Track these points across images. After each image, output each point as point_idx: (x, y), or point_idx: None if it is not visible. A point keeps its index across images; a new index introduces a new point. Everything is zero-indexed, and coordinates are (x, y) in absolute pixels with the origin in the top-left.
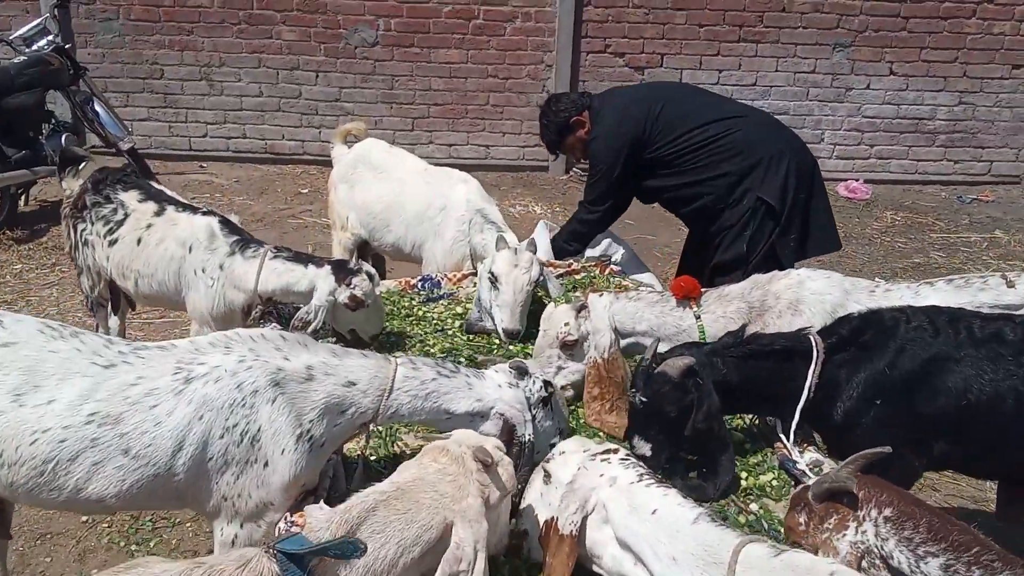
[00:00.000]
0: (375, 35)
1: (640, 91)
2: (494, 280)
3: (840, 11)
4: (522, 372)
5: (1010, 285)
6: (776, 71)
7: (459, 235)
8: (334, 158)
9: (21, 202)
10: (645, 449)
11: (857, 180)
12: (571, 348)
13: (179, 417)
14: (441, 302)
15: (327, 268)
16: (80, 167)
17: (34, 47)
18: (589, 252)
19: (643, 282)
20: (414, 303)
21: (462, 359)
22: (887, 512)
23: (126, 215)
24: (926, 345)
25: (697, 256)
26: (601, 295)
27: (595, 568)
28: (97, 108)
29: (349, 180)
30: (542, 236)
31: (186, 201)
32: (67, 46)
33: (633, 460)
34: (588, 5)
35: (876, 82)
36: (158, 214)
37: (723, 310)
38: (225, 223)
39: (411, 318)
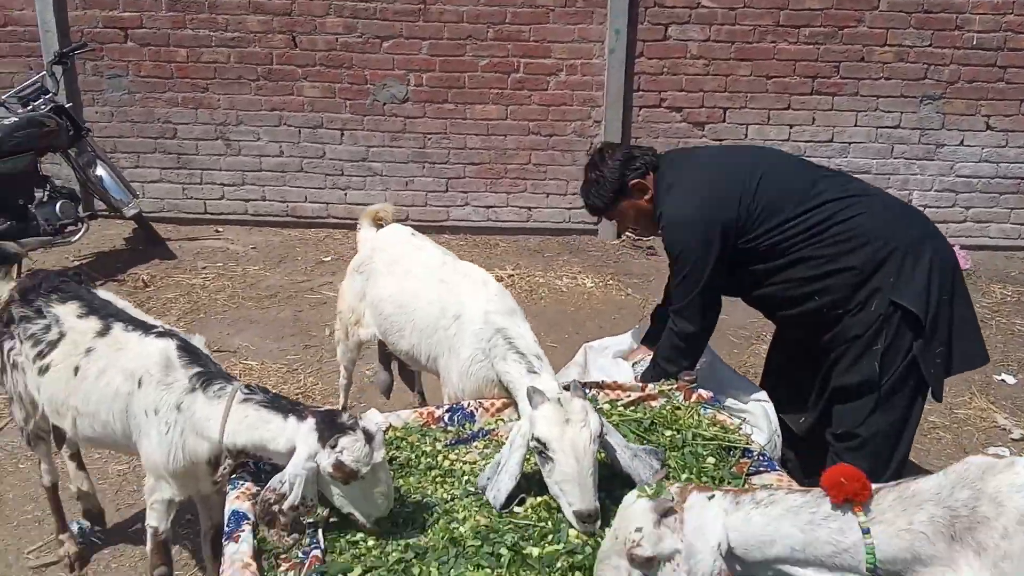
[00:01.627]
0: (406, 91)
1: (727, 157)
2: (543, 449)
3: (928, 60)
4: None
5: None
6: (855, 126)
7: (478, 354)
8: (359, 241)
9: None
10: None
11: (956, 247)
12: (644, 567)
13: None
14: (476, 443)
15: (310, 423)
16: (11, 268)
17: (29, 106)
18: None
19: (752, 412)
20: (438, 446)
21: (503, 550)
22: None
23: (61, 335)
24: None
25: (797, 372)
26: (712, 495)
27: None
28: (100, 171)
29: (365, 272)
30: (594, 362)
31: (140, 316)
32: (68, 105)
33: None
34: (640, 56)
35: (971, 138)
36: (101, 334)
37: (907, 520)
38: (185, 349)
39: (434, 472)
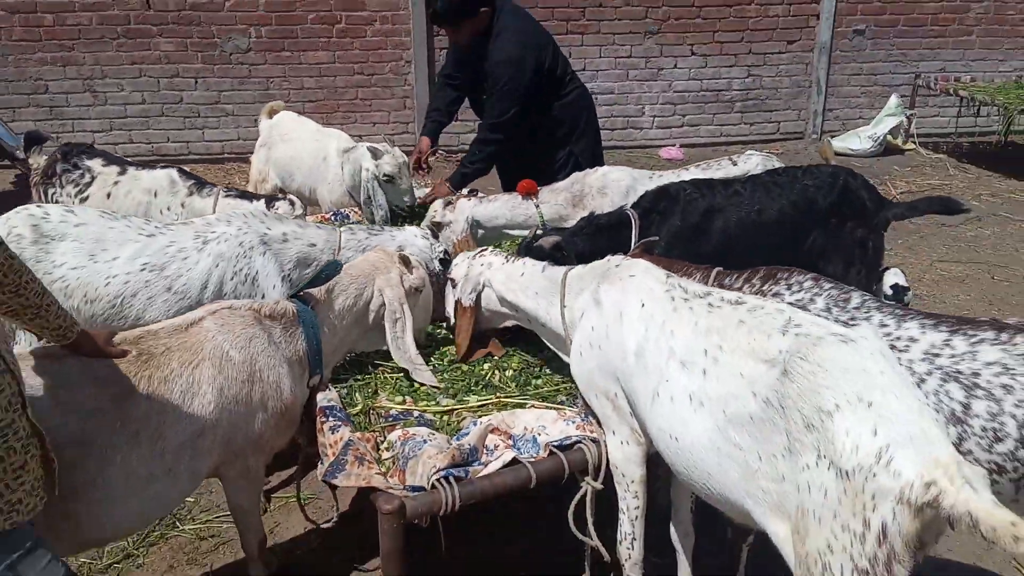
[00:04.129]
0: (248, 42)
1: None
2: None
3: (646, 4)
4: (435, 234)
5: (734, 164)
6: (600, 57)
7: (338, 176)
8: (260, 129)
9: None
10: None
11: (674, 146)
12: (438, 228)
13: (203, 265)
14: None
15: (262, 202)
16: (44, 144)
17: None
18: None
19: None
20: None
21: None
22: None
23: (93, 177)
24: (698, 202)
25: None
26: (469, 198)
27: (490, 309)
28: None
29: (266, 145)
30: None
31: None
32: None
33: (502, 257)
34: None
35: (681, 62)
36: (122, 173)
37: (555, 200)
38: (182, 171)
39: None
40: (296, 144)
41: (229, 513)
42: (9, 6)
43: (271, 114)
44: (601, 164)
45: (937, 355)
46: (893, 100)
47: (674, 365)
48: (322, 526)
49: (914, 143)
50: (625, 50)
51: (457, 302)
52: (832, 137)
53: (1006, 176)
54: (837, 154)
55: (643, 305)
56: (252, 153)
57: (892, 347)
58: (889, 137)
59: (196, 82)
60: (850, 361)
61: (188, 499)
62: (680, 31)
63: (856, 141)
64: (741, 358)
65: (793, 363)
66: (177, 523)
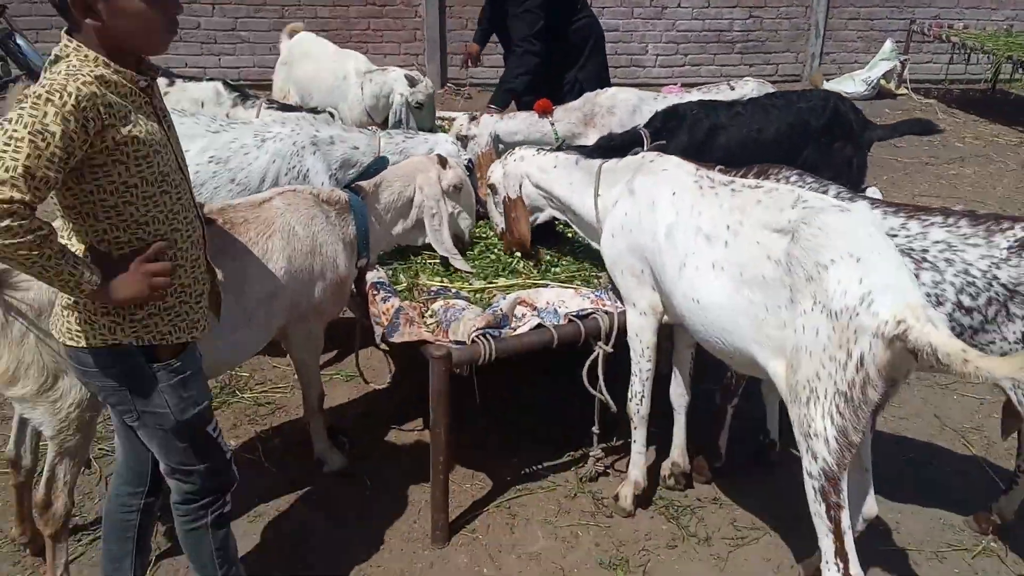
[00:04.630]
0: None
1: None
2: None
3: None
4: (463, 143)
5: (732, 88)
6: None
7: (355, 96)
8: (281, 49)
9: None
10: None
11: (676, 84)
12: (464, 141)
13: (262, 160)
14: None
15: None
16: None
17: None
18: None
19: None
20: None
21: None
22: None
23: None
24: (703, 122)
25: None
26: (491, 114)
27: (528, 202)
28: (19, 41)
29: (287, 63)
30: None
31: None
32: None
33: (533, 150)
34: None
35: (685, 2)
36: (170, 84)
37: (568, 118)
38: (226, 84)
39: None
40: (316, 63)
41: (281, 385)
42: None
43: (291, 34)
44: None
45: (895, 235)
46: (888, 45)
47: (701, 240)
48: (377, 388)
49: (906, 88)
50: None
51: (505, 197)
52: (828, 79)
53: (991, 121)
54: None
55: (674, 194)
56: (267, 80)
57: None
58: (883, 81)
59: (213, 8)
60: (845, 226)
61: (243, 373)
62: None
63: (851, 84)
64: (758, 230)
65: (799, 228)
66: (237, 392)
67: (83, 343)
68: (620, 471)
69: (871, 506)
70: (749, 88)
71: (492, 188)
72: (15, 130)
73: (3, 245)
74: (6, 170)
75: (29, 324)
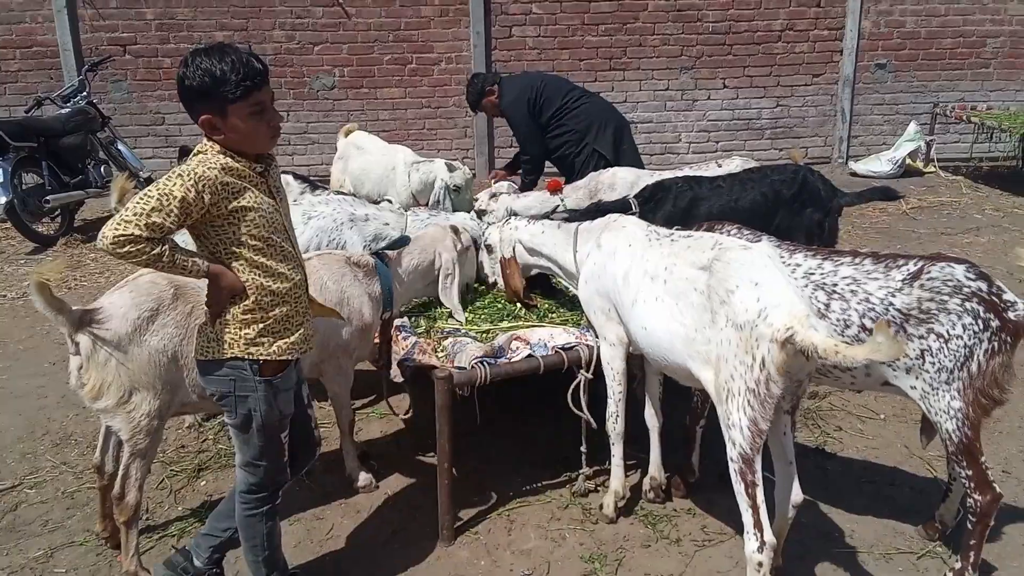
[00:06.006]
0: (333, 80)
1: (530, 76)
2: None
3: (682, 43)
4: (479, 216)
5: (719, 166)
6: (640, 91)
7: (403, 184)
8: (338, 146)
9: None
10: None
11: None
12: (482, 215)
13: (307, 234)
14: None
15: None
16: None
17: (70, 102)
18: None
19: None
20: None
21: None
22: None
23: None
24: (687, 193)
25: None
26: (509, 195)
27: (522, 261)
28: (120, 147)
29: (343, 158)
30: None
31: None
32: (95, 100)
33: (525, 219)
34: (495, 49)
35: (715, 94)
36: None
37: (576, 195)
38: (295, 175)
39: None
40: (368, 157)
41: (324, 423)
42: (135, 52)
43: (347, 133)
44: (622, 157)
45: (812, 273)
46: (912, 127)
47: (647, 280)
48: (403, 419)
49: (934, 166)
50: (663, 84)
51: (501, 258)
52: (856, 161)
53: (1015, 195)
54: (861, 176)
55: (630, 245)
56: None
57: (788, 266)
58: (909, 160)
59: (288, 115)
60: (746, 259)
61: None
62: (713, 67)
63: (878, 164)
64: (687, 268)
65: (714, 264)
66: None
67: (208, 356)
68: (608, 488)
69: (797, 493)
70: (734, 165)
71: (489, 248)
72: (150, 191)
73: (128, 260)
74: (135, 214)
75: (112, 351)
